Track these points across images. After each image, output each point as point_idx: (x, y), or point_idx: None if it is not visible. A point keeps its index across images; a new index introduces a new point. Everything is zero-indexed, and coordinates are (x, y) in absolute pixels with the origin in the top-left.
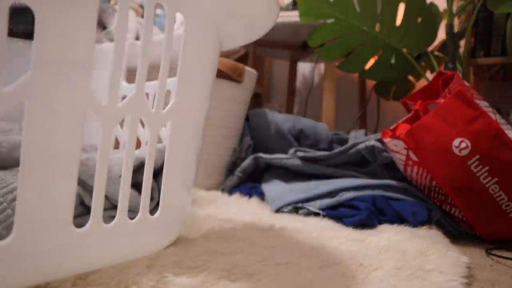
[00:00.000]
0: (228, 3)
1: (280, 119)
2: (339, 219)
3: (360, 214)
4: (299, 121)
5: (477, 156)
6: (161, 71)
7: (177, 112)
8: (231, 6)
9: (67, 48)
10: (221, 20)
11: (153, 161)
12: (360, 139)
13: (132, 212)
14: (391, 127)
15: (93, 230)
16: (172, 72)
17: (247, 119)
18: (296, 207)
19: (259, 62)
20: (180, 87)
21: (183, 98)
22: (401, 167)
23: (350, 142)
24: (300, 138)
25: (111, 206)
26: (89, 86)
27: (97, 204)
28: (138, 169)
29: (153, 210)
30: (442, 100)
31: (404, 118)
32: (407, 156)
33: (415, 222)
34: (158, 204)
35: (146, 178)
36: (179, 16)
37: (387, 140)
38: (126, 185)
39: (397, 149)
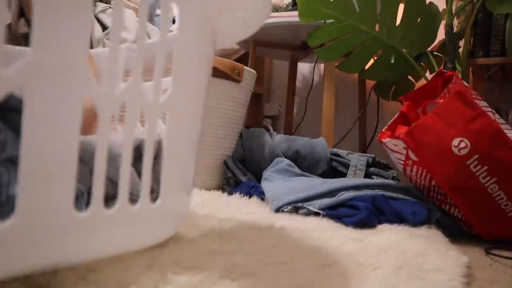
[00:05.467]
0: None
1: (274, 141)
2: (339, 219)
3: (360, 214)
4: (295, 142)
5: (476, 156)
6: (157, 59)
7: (175, 99)
8: None
9: (66, 28)
10: (215, 11)
11: (153, 147)
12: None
13: (135, 201)
14: (384, 128)
15: (94, 215)
16: (169, 73)
17: (240, 136)
18: (296, 207)
19: (259, 62)
20: (176, 73)
21: (180, 85)
22: (400, 167)
23: (350, 169)
24: (297, 159)
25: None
26: (88, 72)
27: (97, 188)
28: (140, 158)
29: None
30: (442, 100)
31: (392, 120)
32: (407, 155)
33: (415, 222)
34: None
35: (146, 164)
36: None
37: (386, 140)
38: (126, 167)
39: (397, 149)
